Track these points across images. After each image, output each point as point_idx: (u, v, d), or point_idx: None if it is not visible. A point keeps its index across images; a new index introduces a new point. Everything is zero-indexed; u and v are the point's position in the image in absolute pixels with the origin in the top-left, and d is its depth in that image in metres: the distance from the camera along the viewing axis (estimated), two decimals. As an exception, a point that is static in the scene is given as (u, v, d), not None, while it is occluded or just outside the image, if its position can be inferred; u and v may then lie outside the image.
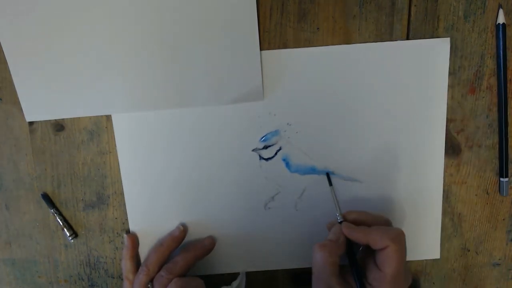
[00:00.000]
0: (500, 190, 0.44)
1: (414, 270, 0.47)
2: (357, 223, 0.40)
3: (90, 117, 0.42)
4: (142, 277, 0.41)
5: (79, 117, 0.42)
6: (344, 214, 0.40)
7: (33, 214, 0.44)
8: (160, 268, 0.41)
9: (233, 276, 0.45)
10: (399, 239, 0.36)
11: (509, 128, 0.42)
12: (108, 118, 0.42)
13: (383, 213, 0.41)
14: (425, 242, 0.45)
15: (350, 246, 0.39)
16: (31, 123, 0.42)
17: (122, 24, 0.38)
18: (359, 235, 0.38)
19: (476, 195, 0.44)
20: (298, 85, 0.41)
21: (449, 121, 0.42)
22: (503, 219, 0.45)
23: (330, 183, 0.42)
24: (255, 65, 0.40)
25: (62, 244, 0.45)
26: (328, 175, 0.42)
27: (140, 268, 0.41)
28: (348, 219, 0.40)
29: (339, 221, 0.40)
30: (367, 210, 0.41)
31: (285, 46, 0.40)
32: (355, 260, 0.39)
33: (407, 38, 0.40)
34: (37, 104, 0.40)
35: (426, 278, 0.47)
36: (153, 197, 0.43)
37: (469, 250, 0.46)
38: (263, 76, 0.40)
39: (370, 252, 0.38)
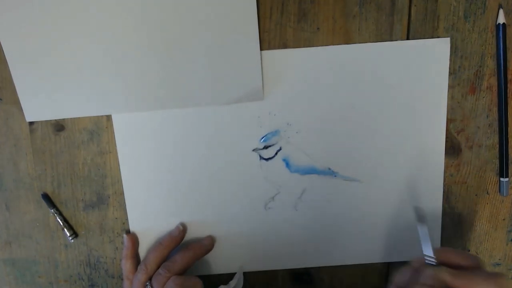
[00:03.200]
0: (500, 190, 0.44)
1: (414, 270, 0.47)
2: (449, 264, 0.35)
3: (90, 117, 0.42)
4: (140, 275, 0.41)
5: (79, 117, 0.42)
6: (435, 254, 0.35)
7: (33, 214, 0.44)
8: (158, 267, 0.41)
9: (232, 277, 0.45)
10: (506, 286, 0.33)
11: (509, 128, 0.42)
12: (108, 118, 0.42)
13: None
14: (425, 242, 0.45)
15: None
16: (31, 123, 0.42)
17: (122, 24, 0.38)
18: (463, 283, 0.33)
19: (476, 195, 0.44)
20: (298, 85, 0.41)
21: (449, 121, 0.42)
22: (503, 219, 0.45)
23: (422, 220, 0.36)
24: (255, 65, 0.40)
25: (62, 244, 0.45)
26: (417, 209, 0.36)
27: (139, 266, 0.41)
28: (439, 260, 0.35)
29: (432, 263, 0.35)
30: (457, 249, 0.37)
31: (285, 46, 0.40)
32: None
33: (407, 38, 0.40)
34: (37, 104, 0.40)
35: (426, 278, 0.47)
36: (153, 197, 0.43)
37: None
38: (263, 76, 0.40)
39: None
